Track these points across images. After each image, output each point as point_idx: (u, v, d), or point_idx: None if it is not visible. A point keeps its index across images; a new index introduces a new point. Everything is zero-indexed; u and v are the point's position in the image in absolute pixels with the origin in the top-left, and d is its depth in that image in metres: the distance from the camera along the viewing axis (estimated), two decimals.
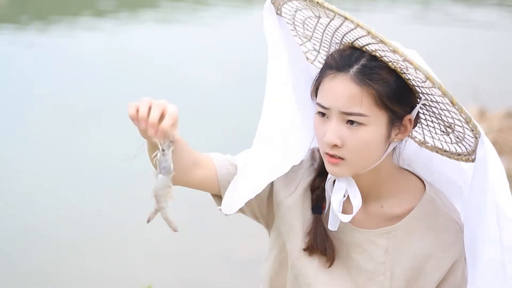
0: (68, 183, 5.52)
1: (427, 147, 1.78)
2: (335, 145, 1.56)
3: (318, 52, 1.78)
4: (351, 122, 1.55)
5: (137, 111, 1.41)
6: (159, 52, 8.31)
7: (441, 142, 1.73)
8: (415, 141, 1.79)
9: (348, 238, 1.70)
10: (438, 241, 1.66)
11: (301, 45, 1.78)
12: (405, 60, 1.49)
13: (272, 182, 1.71)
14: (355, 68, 1.56)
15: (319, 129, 1.60)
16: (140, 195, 5.28)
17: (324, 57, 1.75)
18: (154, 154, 1.35)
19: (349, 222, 1.69)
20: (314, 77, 1.71)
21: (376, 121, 1.56)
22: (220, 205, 1.71)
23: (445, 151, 1.74)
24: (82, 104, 7.00)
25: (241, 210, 1.74)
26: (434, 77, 1.49)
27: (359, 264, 1.69)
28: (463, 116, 1.54)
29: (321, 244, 1.69)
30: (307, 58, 1.80)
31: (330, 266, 1.70)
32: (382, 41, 1.48)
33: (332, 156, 1.58)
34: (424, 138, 1.77)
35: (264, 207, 1.77)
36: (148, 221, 1.40)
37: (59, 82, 7.74)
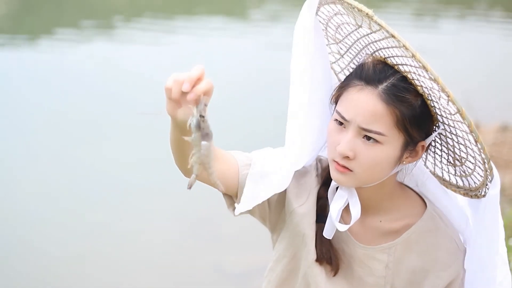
0: (68, 192, 5.52)
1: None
2: (347, 157, 1.56)
3: (342, 56, 1.76)
4: (367, 137, 1.54)
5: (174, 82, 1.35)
6: (156, 68, 8.31)
7: (443, 171, 1.73)
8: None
9: (351, 250, 1.71)
10: (436, 259, 1.66)
11: (326, 45, 1.76)
12: (442, 90, 1.48)
13: (285, 190, 1.69)
14: (384, 85, 1.54)
15: (333, 136, 1.59)
16: (139, 205, 5.31)
17: (346, 63, 1.75)
18: (189, 122, 1.30)
19: (350, 235, 1.70)
20: (332, 82, 1.70)
21: (392, 142, 1.55)
22: (230, 206, 1.70)
23: (443, 179, 1.75)
24: (82, 115, 7.00)
25: (251, 212, 1.72)
26: (466, 113, 1.49)
27: (360, 276, 1.70)
28: (483, 156, 1.54)
29: (327, 253, 1.69)
30: None
31: (334, 275, 1.71)
32: (424, 67, 1.47)
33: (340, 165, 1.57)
34: (425, 162, 1.77)
35: (273, 214, 1.75)
36: (189, 187, 1.38)
37: (58, 92, 7.74)
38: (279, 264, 1.78)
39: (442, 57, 8.60)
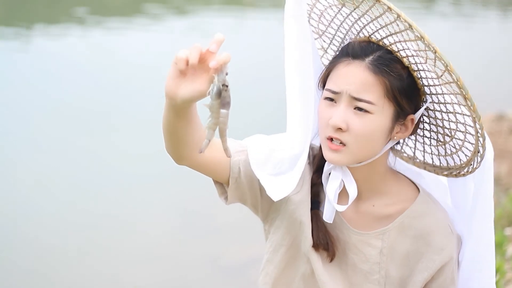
0: (68, 184, 5.52)
1: (415, 164, 1.80)
2: (340, 129, 1.57)
3: (325, 51, 1.78)
4: (359, 108, 1.57)
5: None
6: (158, 58, 8.29)
7: (433, 155, 1.75)
8: (402, 157, 1.82)
9: (345, 237, 1.71)
10: (430, 242, 1.67)
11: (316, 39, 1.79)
12: (427, 47, 1.50)
13: None
14: (371, 57, 1.58)
15: (325, 112, 1.60)
16: (138, 197, 5.31)
17: (330, 58, 1.76)
18: (209, 89, 1.32)
19: (344, 221, 1.71)
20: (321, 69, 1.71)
21: (382, 112, 1.57)
22: (222, 194, 1.72)
23: (434, 166, 1.75)
24: (84, 106, 7.01)
25: (242, 200, 1.74)
26: (454, 69, 1.50)
27: (355, 263, 1.71)
28: (473, 115, 1.54)
29: (323, 238, 1.70)
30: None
31: (331, 261, 1.72)
32: (411, 26, 1.49)
33: (333, 141, 1.59)
34: (414, 153, 1.79)
35: (266, 202, 1.75)
36: (201, 151, 1.38)
37: (60, 83, 7.76)
38: (276, 254, 1.77)
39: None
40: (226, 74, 1.31)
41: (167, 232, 4.88)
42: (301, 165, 1.64)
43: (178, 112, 1.44)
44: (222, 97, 1.30)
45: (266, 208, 1.76)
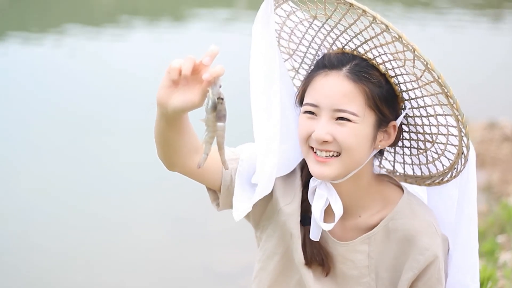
0: (65, 188, 5.53)
1: (395, 177, 1.79)
2: (326, 142, 1.56)
3: (297, 71, 1.77)
4: (341, 118, 1.56)
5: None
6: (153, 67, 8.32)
7: (413, 165, 1.75)
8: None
9: (331, 249, 1.71)
10: (415, 243, 1.67)
11: (285, 60, 1.78)
12: (406, 47, 1.48)
13: (272, 189, 1.69)
14: (348, 66, 1.57)
15: (305, 126, 1.59)
16: (134, 202, 5.31)
17: (302, 78, 1.75)
18: (205, 103, 1.31)
19: (330, 235, 1.71)
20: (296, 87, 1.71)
21: (364, 121, 1.56)
22: (214, 200, 1.72)
23: (415, 176, 1.76)
24: (82, 111, 7.03)
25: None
26: (434, 66, 1.49)
27: (344, 272, 1.71)
28: (456, 112, 1.54)
29: (318, 255, 1.70)
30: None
31: (327, 275, 1.71)
32: (387, 27, 1.48)
33: (319, 154, 1.57)
34: (393, 166, 1.79)
35: (257, 210, 1.75)
36: (199, 167, 1.38)
37: (59, 92, 7.77)
38: (270, 262, 1.77)
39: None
40: (220, 86, 1.30)
41: (159, 238, 4.88)
42: (262, 192, 1.63)
43: (170, 121, 1.43)
44: (217, 110, 1.29)
45: (258, 215, 1.76)
